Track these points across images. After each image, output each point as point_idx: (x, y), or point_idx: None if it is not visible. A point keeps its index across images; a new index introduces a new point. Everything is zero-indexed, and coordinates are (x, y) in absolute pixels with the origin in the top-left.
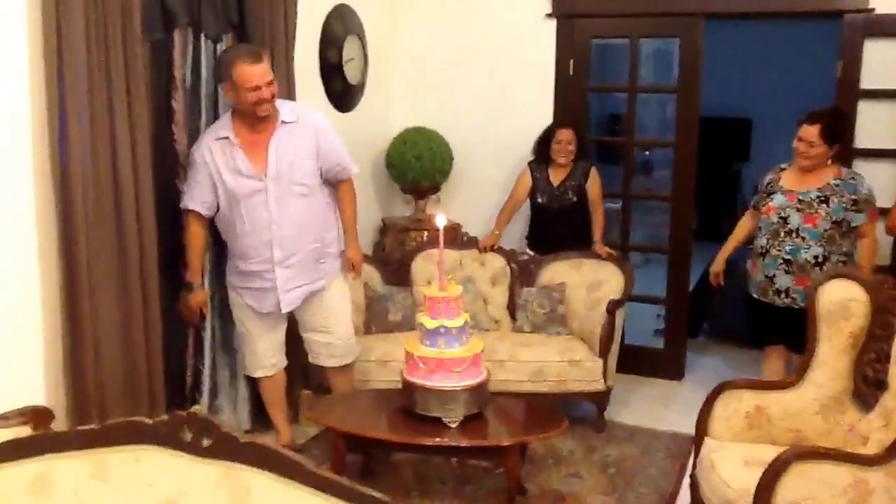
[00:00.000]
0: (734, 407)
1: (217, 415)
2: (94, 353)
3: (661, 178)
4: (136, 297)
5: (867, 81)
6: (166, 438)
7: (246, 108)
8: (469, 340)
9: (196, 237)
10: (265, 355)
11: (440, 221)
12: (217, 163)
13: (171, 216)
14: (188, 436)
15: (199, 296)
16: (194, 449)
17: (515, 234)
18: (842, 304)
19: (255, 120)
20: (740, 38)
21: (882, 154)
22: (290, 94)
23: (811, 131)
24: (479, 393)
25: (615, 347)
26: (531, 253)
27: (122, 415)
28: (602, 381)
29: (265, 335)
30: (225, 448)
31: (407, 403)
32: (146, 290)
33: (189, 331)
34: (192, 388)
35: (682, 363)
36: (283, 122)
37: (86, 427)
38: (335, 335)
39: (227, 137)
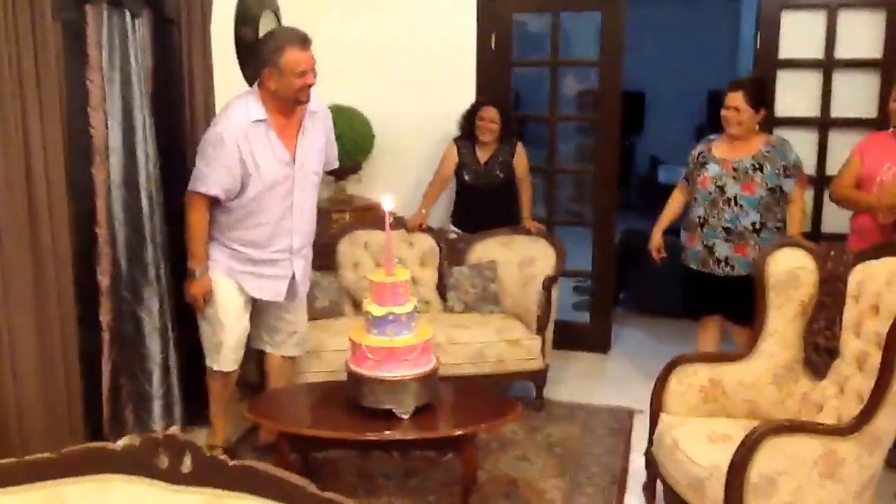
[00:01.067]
0: (688, 381)
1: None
2: (11, 370)
3: (565, 153)
4: (52, 306)
5: (785, 52)
6: (138, 466)
7: (287, 95)
8: (417, 326)
9: (203, 222)
10: (237, 347)
11: (387, 204)
12: (253, 148)
13: (87, 212)
14: (164, 461)
15: (205, 282)
16: (172, 476)
17: (439, 213)
18: (791, 272)
19: (291, 105)
20: (631, 15)
21: (802, 122)
22: (207, 75)
23: (735, 97)
24: (430, 382)
25: (551, 324)
26: (459, 232)
27: (43, 438)
28: (541, 359)
29: (239, 326)
30: (209, 473)
31: (354, 396)
32: (62, 299)
33: (103, 338)
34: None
35: (608, 336)
36: (310, 110)
37: (37, 456)
38: (301, 323)
39: (264, 120)
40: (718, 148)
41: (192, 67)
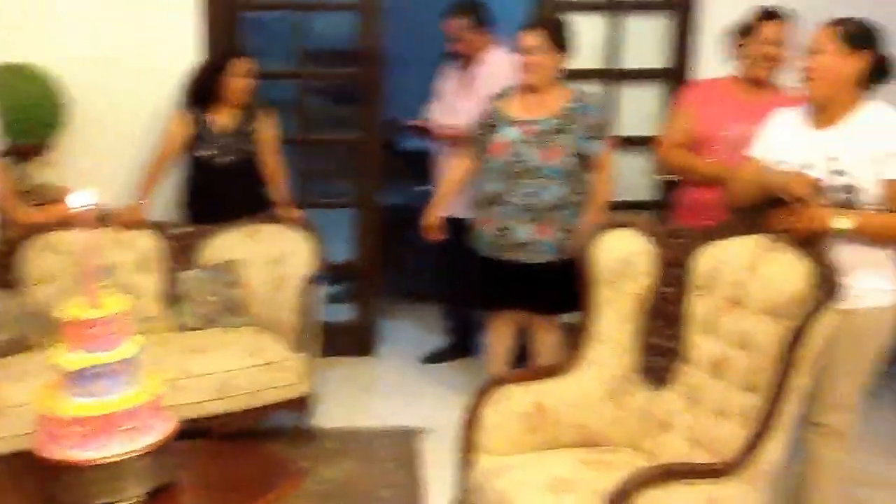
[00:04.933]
0: (507, 409)
1: None
2: None
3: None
4: None
5: None
6: None
7: None
8: (142, 375)
9: None
10: None
11: (79, 200)
12: None
13: None
14: None
15: None
16: None
17: (161, 204)
18: (625, 260)
19: None
20: None
21: (589, 75)
22: None
23: (533, 37)
24: (167, 452)
25: (316, 338)
26: (190, 226)
27: None
28: (305, 382)
29: None
30: None
31: (49, 490)
32: None
33: None
34: None
35: (375, 336)
36: None
37: None
38: None
39: None
40: (513, 106)
41: None
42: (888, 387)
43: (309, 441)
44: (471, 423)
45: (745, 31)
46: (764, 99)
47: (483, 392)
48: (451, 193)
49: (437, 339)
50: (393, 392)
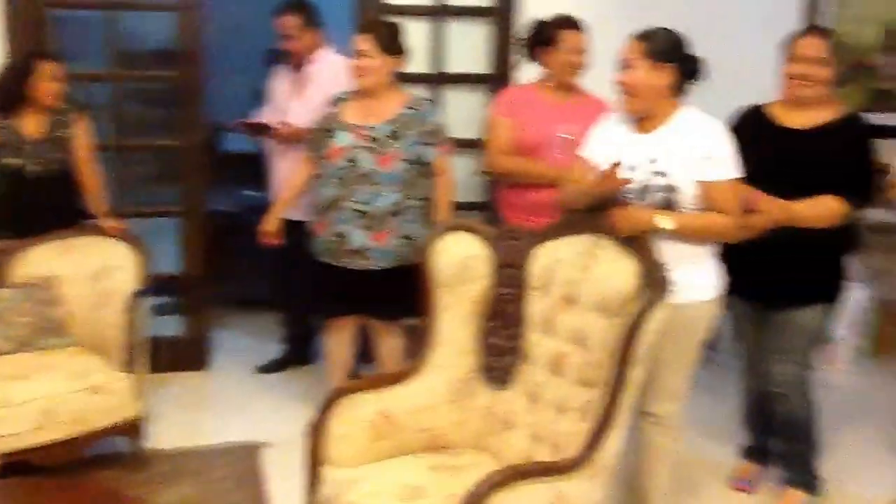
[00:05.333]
0: (353, 419)
1: None
2: None
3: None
4: None
5: None
6: None
7: None
8: None
9: None
10: None
11: None
12: None
13: None
14: None
15: None
16: None
17: None
18: (462, 264)
19: None
20: None
21: (414, 80)
22: None
23: (362, 40)
24: None
25: (144, 354)
26: None
27: None
28: (135, 403)
29: None
30: None
31: None
32: None
33: None
34: None
35: (207, 348)
36: None
37: None
38: None
39: None
40: (349, 110)
41: None
42: (702, 372)
43: (142, 466)
44: (317, 435)
45: (548, 40)
46: (579, 101)
47: (328, 402)
48: (291, 197)
49: (273, 348)
50: (230, 406)
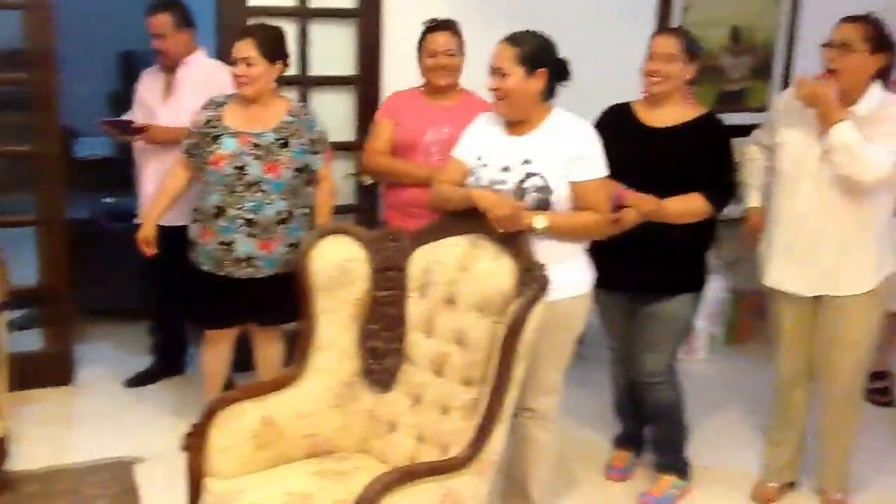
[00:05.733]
0: (235, 429)
1: None
2: None
3: None
4: None
5: None
6: None
7: None
8: None
9: None
10: None
11: None
12: None
13: None
14: None
15: None
16: None
17: None
18: (341, 267)
19: None
20: None
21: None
22: None
23: (245, 47)
24: None
25: (4, 371)
26: None
27: None
28: None
29: None
30: None
31: None
32: None
33: None
34: None
35: (72, 362)
36: None
37: None
38: None
39: None
40: (231, 116)
41: None
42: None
43: (9, 488)
44: (196, 447)
45: (418, 44)
46: (459, 103)
47: (208, 413)
48: (167, 203)
49: (142, 360)
50: (100, 422)
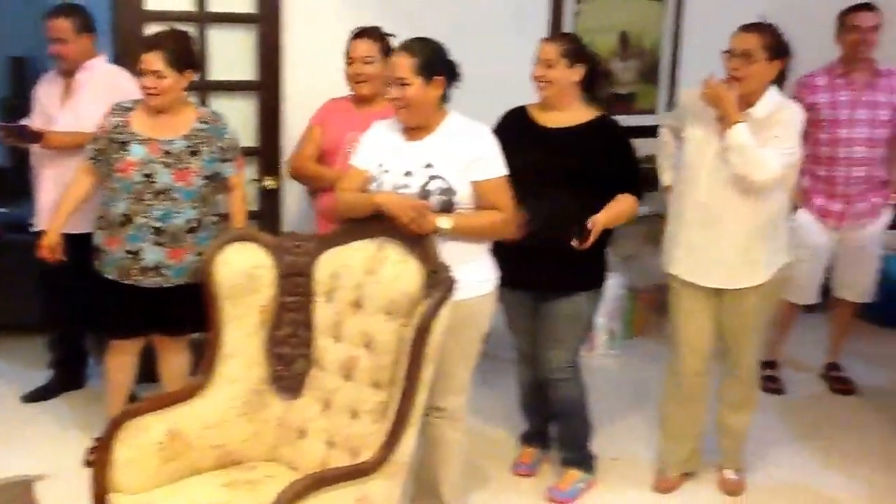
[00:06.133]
0: (141, 442)
1: None
2: None
3: None
4: None
5: (154, 2)
6: None
7: None
8: None
9: None
10: None
11: None
12: None
13: None
14: None
15: None
16: None
17: None
18: (247, 274)
19: None
20: None
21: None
22: None
23: (152, 59)
24: None
25: None
26: None
27: None
28: None
29: None
30: None
31: None
32: None
33: None
34: None
35: None
36: None
37: None
38: None
39: None
40: (139, 122)
41: None
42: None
43: None
44: (101, 462)
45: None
46: (379, 110)
47: (112, 427)
48: (71, 210)
49: (41, 374)
50: None
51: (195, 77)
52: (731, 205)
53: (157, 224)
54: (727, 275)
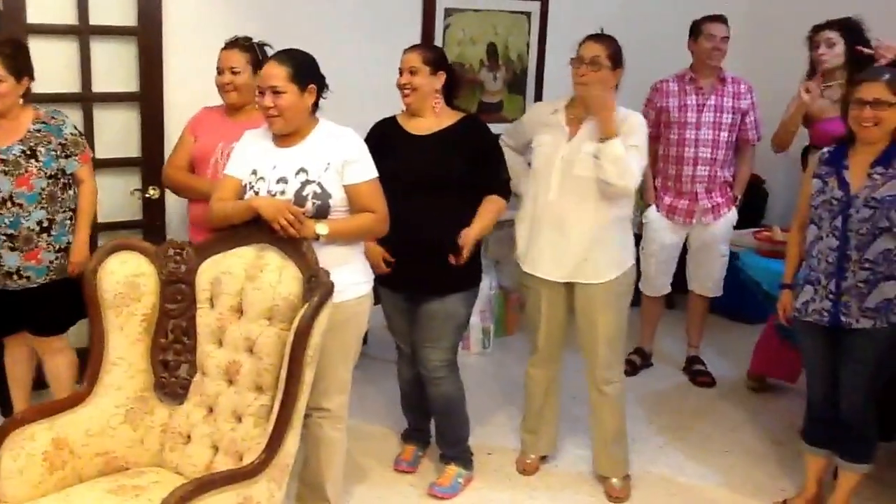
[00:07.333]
0: (27, 451)
1: None
2: None
3: None
4: None
5: (36, 16)
6: None
7: None
8: None
9: None
10: None
11: None
12: None
13: None
14: None
15: None
16: None
17: None
18: (129, 282)
19: None
20: None
21: (61, 99)
22: None
23: None
24: None
25: None
26: None
27: None
28: None
29: None
30: None
31: None
32: None
33: None
34: None
35: None
36: None
37: None
38: None
39: None
40: None
41: None
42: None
43: None
44: None
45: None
46: (247, 119)
47: None
48: None
49: None
50: None
51: (29, 85)
52: (581, 207)
53: (9, 231)
54: (576, 269)
